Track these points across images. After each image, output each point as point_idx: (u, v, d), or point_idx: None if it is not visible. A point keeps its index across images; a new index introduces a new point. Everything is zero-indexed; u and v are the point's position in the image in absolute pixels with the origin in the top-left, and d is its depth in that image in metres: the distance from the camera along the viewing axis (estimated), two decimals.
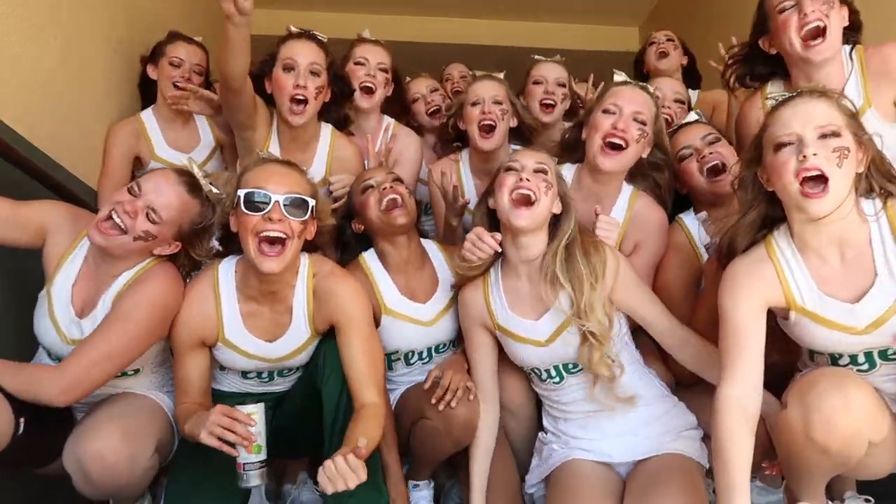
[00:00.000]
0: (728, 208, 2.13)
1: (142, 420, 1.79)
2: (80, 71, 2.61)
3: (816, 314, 1.61)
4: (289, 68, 2.32)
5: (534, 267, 1.89)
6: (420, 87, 3.10)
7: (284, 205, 1.74)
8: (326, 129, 2.51)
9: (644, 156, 2.16)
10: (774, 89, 2.27)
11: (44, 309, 1.83)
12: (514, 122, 2.58)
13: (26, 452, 1.71)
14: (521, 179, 1.83)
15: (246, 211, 1.73)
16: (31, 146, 2.22)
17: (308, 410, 1.93)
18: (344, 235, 2.26)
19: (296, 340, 1.92)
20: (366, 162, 2.64)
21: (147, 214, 1.77)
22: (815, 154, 1.51)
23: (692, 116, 2.34)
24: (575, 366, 1.89)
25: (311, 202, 1.80)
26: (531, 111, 2.81)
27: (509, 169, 1.89)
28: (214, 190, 1.89)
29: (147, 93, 2.88)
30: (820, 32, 2.05)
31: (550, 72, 2.87)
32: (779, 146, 1.58)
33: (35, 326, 1.86)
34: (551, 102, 2.82)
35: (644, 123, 2.09)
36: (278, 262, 1.74)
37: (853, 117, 1.61)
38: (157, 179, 1.82)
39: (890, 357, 1.60)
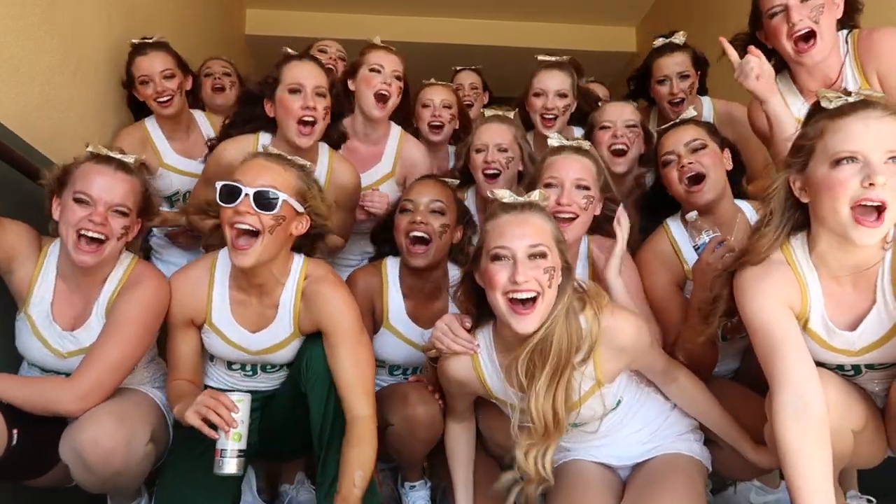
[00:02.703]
0: (713, 217, 2.09)
1: (135, 409, 1.81)
2: (78, 71, 2.60)
3: (816, 334, 1.56)
4: (295, 91, 2.27)
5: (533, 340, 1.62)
6: (434, 95, 2.96)
7: (254, 198, 1.74)
8: (324, 151, 2.44)
9: (597, 213, 2.08)
10: (782, 85, 2.23)
11: (27, 330, 1.85)
12: (520, 167, 2.48)
13: (20, 463, 1.72)
14: (515, 281, 1.55)
15: (220, 202, 1.77)
16: (28, 146, 2.21)
17: (296, 413, 1.93)
18: (382, 234, 2.28)
19: (277, 335, 1.92)
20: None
21: (116, 212, 1.81)
22: (884, 183, 1.35)
23: (690, 113, 2.24)
24: (577, 424, 1.79)
25: (283, 196, 1.76)
26: (535, 124, 2.78)
27: (497, 258, 1.58)
28: (135, 158, 1.93)
29: (139, 106, 2.85)
30: (811, 36, 2.03)
31: (551, 82, 2.76)
32: (839, 161, 1.41)
33: (21, 348, 1.88)
34: (551, 117, 2.76)
35: (588, 188, 2.02)
36: (248, 256, 1.75)
37: None
38: (98, 179, 1.79)
39: (876, 368, 1.59)
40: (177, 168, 2.76)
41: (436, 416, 1.95)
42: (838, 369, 1.61)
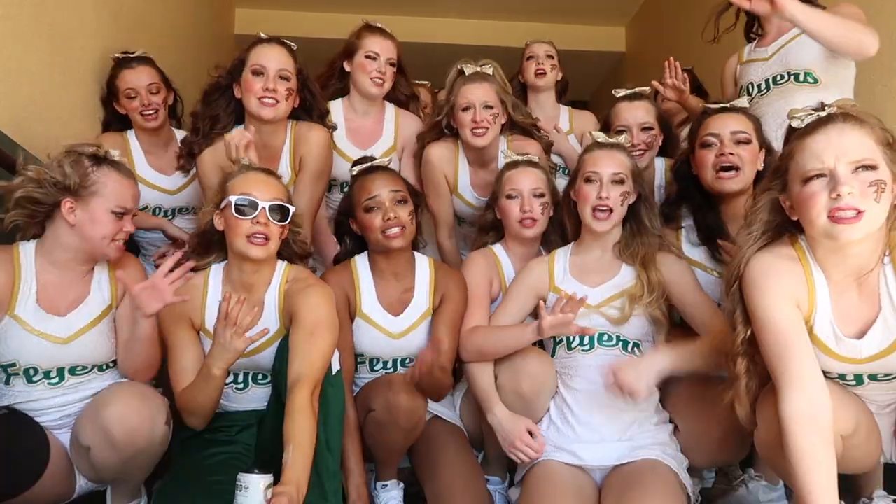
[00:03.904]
0: (727, 208, 2.17)
1: (151, 391, 1.87)
2: (67, 70, 2.60)
3: (821, 341, 1.56)
4: (258, 73, 2.34)
5: (607, 242, 2.12)
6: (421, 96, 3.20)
7: (270, 211, 1.91)
8: (289, 126, 2.49)
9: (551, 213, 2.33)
10: (747, 47, 2.64)
11: (18, 331, 1.83)
12: (504, 119, 2.59)
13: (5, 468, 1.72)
14: (600, 197, 2.03)
15: (236, 215, 1.89)
16: (16, 146, 2.19)
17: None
18: (342, 229, 2.30)
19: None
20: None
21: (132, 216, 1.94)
22: (850, 193, 1.41)
23: (743, 102, 2.26)
24: (609, 338, 2.00)
25: (292, 208, 1.97)
26: (526, 80, 3.18)
27: (589, 180, 2.07)
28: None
29: (114, 123, 2.83)
30: None
31: (539, 48, 3.23)
32: (808, 179, 1.48)
33: (10, 354, 1.84)
34: (542, 72, 3.15)
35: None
36: (264, 250, 1.91)
37: (890, 146, 1.49)
38: (129, 192, 1.93)
39: (880, 379, 1.59)
40: (148, 181, 2.75)
41: (418, 405, 1.96)
42: (840, 379, 1.61)
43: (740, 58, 2.67)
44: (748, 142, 2.14)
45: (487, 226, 2.40)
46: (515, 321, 2.11)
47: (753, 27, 2.65)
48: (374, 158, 2.32)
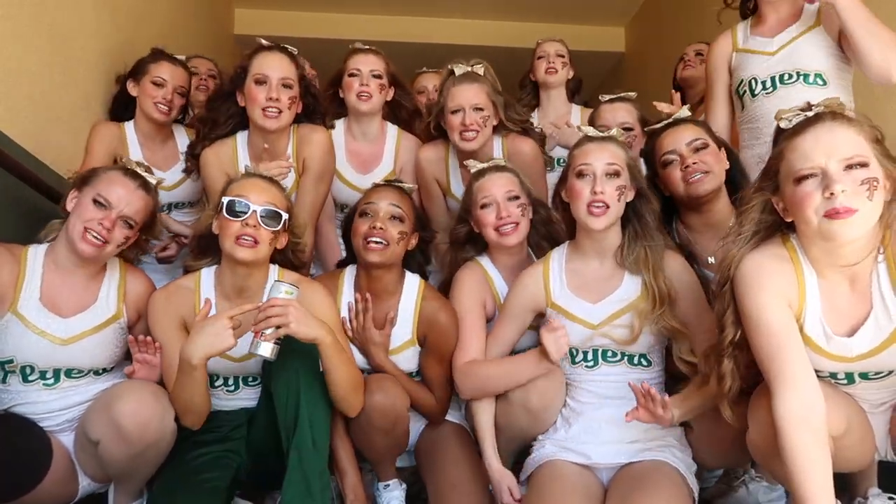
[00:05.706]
0: (707, 215, 2.16)
1: (161, 390, 1.87)
2: (66, 70, 2.60)
3: (811, 339, 1.55)
4: (261, 82, 2.36)
5: (606, 249, 1.98)
6: (428, 82, 3.35)
7: (261, 215, 1.89)
8: (291, 131, 2.51)
9: (530, 217, 2.23)
10: (740, 29, 2.50)
11: (19, 329, 1.85)
12: (496, 121, 2.55)
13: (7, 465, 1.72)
14: (594, 191, 1.87)
15: (227, 216, 1.89)
16: (16, 146, 2.21)
17: (275, 429, 1.87)
18: (348, 232, 2.27)
19: None
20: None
21: (124, 222, 1.92)
22: (843, 191, 1.41)
23: (684, 112, 2.26)
24: (614, 354, 1.94)
25: (285, 216, 1.95)
26: (537, 78, 3.29)
27: (581, 175, 1.92)
28: (157, 179, 2.07)
29: (119, 109, 2.84)
30: None
31: (550, 47, 3.33)
32: (800, 179, 1.47)
33: (9, 350, 1.85)
34: (553, 69, 3.25)
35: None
36: (252, 252, 1.89)
37: (879, 142, 1.48)
38: (120, 190, 1.92)
39: (871, 378, 1.59)
40: None
41: (394, 404, 1.94)
42: (831, 378, 1.61)
43: (734, 43, 2.52)
44: (705, 146, 2.14)
45: (461, 240, 2.26)
46: (514, 342, 2.07)
47: (750, 4, 2.53)
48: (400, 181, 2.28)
